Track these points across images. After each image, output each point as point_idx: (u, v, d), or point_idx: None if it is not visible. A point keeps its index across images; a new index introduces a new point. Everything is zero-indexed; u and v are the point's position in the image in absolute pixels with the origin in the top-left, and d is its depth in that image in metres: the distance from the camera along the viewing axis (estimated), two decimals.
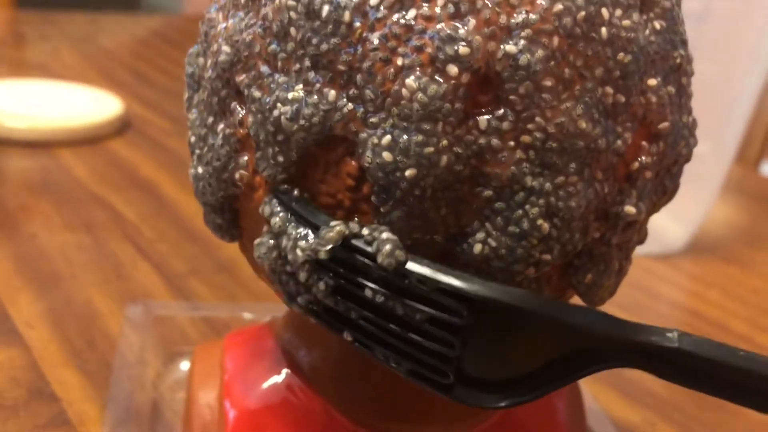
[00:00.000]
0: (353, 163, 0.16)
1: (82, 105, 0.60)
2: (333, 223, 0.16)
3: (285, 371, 0.22)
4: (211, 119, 0.18)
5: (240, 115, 0.17)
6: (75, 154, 0.53)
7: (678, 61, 0.17)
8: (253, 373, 0.23)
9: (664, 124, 0.17)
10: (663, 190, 0.18)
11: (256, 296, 0.38)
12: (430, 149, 0.15)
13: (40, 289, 0.36)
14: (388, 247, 0.15)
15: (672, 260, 0.51)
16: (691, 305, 0.46)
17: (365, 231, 0.15)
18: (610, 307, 0.40)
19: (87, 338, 0.33)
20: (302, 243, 0.16)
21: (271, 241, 0.17)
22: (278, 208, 0.17)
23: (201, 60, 0.19)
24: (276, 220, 0.16)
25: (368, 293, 0.16)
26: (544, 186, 0.15)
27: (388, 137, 0.15)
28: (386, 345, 0.16)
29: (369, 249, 0.15)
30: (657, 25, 0.16)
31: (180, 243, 0.42)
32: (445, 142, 0.15)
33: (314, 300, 0.17)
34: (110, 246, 0.41)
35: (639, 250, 0.54)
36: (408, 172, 0.15)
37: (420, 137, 0.15)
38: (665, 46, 0.17)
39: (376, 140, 0.15)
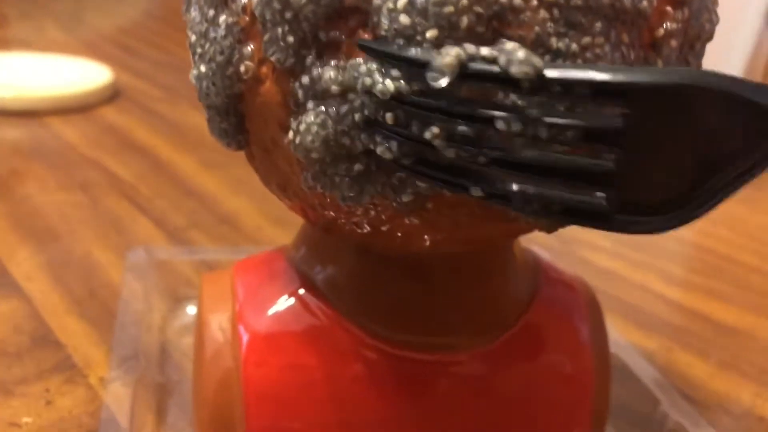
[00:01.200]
0: (367, 36, 0.15)
1: (69, 74, 0.58)
2: (445, 49, 0.13)
3: (299, 290, 0.21)
4: (212, 12, 0.17)
5: (243, 1, 0.16)
6: (65, 122, 0.52)
7: None
8: (265, 294, 0.22)
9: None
10: (686, 64, 0.17)
11: (260, 245, 0.37)
12: (450, 8, 0.14)
13: (38, 245, 0.35)
14: (521, 53, 0.13)
15: None
16: (700, 241, 0.45)
17: (484, 51, 0.13)
18: (618, 245, 0.40)
19: (88, 288, 0.32)
20: (396, 83, 0.14)
21: (322, 113, 0.15)
22: (332, 63, 0.15)
23: None
24: (332, 74, 0.15)
25: (501, 125, 0.13)
26: (570, 47, 0.14)
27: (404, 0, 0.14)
28: (525, 188, 0.14)
29: (494, 68, 0.13)
30: None
31: (179, 199, 0.41)
32: (464, 1, 0.14)
33: (417, 156, 0.15)
34: (107, 203, 0.40)
35: None
36: (429, 34, 0.14)
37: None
38: None
39: (391, 4, 0.14)
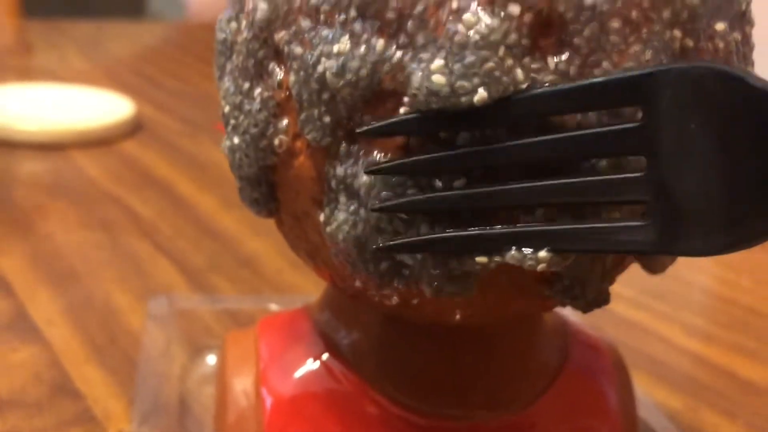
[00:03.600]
0: (403, 110, 0.15)
1: (92, 107, 0.59)
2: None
3: (324, 354, 0.21)
4: (247, 84, 0.17)
5: (279, 77, 0.16)
6: (88, 156, 0.52)
7: (743, 7, 0.16)
8: (289, 357, 0.22)
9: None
10: None
11: (281, 290, 0.37)
12: (480, 78, 0.14)
13: (59, 287, 0.35)
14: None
15: None
16: (723, 292, 0.44)
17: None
18: (641, 295, 0.39)
19: (109, 334, 0.32)
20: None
21: (354, 215, 0.15)
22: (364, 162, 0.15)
23: (234, 24, 0.18)
24: (367, 181, 0.15)
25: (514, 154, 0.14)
26: None
27: (440, 61, 0.14)
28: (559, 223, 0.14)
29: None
30: None
31: (199, 239, 0.41)
32: (510, 61, 0.13)
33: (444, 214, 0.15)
34: (128, 243, 0.40)
35: None
36: (462, 99, 0.14)
37: (473, 60, 0.13)
38: None
39: (424, 65, 0.14)
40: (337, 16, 0.15)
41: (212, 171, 0.52)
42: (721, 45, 0.15)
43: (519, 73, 0.14)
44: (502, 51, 0.13)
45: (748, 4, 0.16)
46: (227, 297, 0.35)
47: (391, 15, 0.14)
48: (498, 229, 0.14)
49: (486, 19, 0.13)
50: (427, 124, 0.14)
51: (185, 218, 0.44)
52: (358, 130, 0.15)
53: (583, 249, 0.14)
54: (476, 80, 0.13)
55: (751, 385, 0.34)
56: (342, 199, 0.16)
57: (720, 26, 0.15)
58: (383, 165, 0.15)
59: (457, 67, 0.13)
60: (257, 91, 0.17)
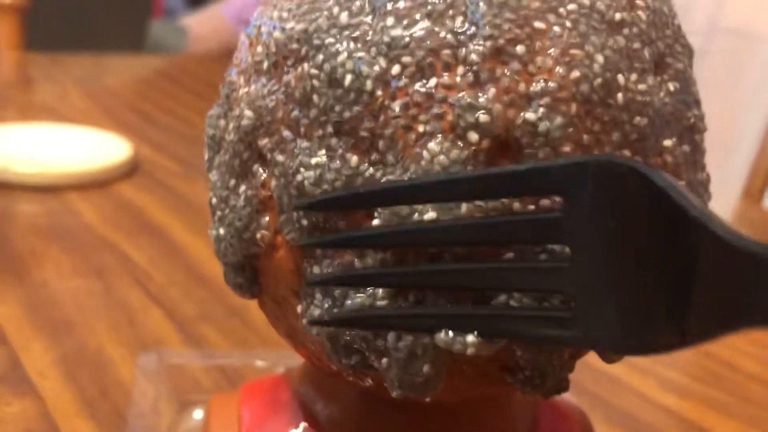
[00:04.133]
0: (376, 222, 0.16)
1: (90, 148, 0.60)
2: None
3: (302, 425, 0.22)
4: (233, 181, 0.18)
5: (262, 178, 0.18)
6: (84, 199, 0.54)
7: (692, 120, 0.17)
8: (270, 426, 0.23)
9: (680, 183, 0.17)
10: None
11: (268, 342, 0.38)
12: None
13: (53, 337, 0.36)
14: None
15: None
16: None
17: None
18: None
19: (100, 387, 0.33)
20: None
21: (326, 305, 0.17)
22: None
23: (222, 122, 0.19)
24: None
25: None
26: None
27: None
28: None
29: None
30: (671, 86, 0.17)
31: (190, 287, 0.43)
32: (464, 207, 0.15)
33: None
34: (121, 291, 0.41)
35: None
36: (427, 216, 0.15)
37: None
38: (679, 106, 0.17)
39: None
40: (315, 130, 0.16)
41: (206, 214, 0.53)
42: (669, 159, 0.17)
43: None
44: None
45: (697, 116, 0.18)
46: (216, 352, 0.36)
47: (363, 134, 0.16)
48: (431, 310, 0.15)
49: (448, 151, 0.15)
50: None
51: (178, 265, 0.45)
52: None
53: (509, 336, 0.15)
54: None
55: None
56: (318, 296, 0.17)
57: (668, 143, 0.17)
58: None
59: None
60: (242, 188, 0.18)
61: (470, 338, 0.15)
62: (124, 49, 1.23)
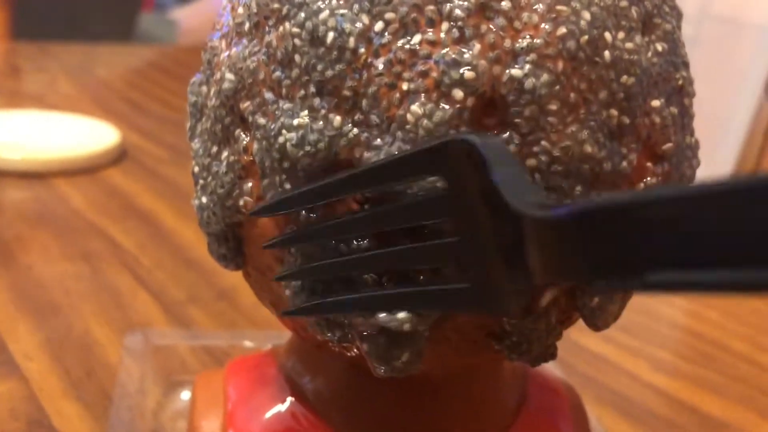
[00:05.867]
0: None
1: (78, 135, 0.60)
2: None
3: (289, 399, 0.22)
4: (215, 148, 0.18)
5: (244, 142, 0.17)
6: (71, 184, 0.53)
7: (680, 82, 0.17)
8: (256, 401, 0.22)
9: (668, 145, 0.17)
10: None
11: (257, 324, 0.37)
12: None
13: (39, 320, 0.36)
14: None
15: None
16: (691, 326, 0.46)
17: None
18: (611, 330, 0.40)
19: (86, 368, 0.32)
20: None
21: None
22: None
23: (204, 89, 0.19)
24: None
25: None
26: None
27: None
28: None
29: None
30: (659, 47, 0.17)
31: (178, 271, 0.42)
32: None
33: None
34: (108, 275, 0.41)
35: None
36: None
37: None
38: (667, 67, 0.17)
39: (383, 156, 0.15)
40: (297, 91, 0.16)
41: None
42: (657, 120, 0.16)
43: None
44: None
45: (686, 79, 0.17)
46: (203, 333, 0.36)
47: (346, 93, 0.15)
48: (368, 293, 0.16)
49: (432, 113, 0.14)
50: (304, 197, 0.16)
51: (166, 249, 0.45)
52: (250, 213, 0.16)
53: (424, 310, 0.15)
54: None
55: (712, 420, 0.35)
56: (300, 263, 0.16)
57: (656, 103, 0.16)
58: (275, 240, 0.17)
59: None
60: (224, 154, 0.18)
61: (401, 315, 0.15)
62: (113, 40, 1.22)
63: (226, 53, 0.18)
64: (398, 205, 0.15)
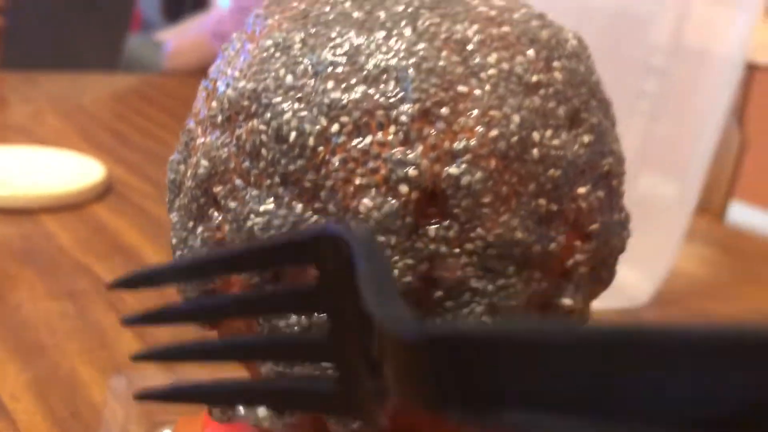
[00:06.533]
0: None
1: (64, 170, 0.61)
2: None
3: None
4: (191, 223, 0.20)
5: (217, 221, 0.19)
6: (58, 220, 0.55)
7: (606, 168, 0.19)
8: None
9: (595, 226, 0.19)
10: (599, 280, 0.20)
11: (237, 367, 0.39)
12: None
13: (26, 360, 0.37)
14: None
15: (637, 315, 0.53)
16: None
17: None
18: None
19: (71, 409, 0.34)
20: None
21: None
22: None
23: (182, 167, 0.21)
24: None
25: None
26: (486, 287, 0.17)
27: None
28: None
29: None
30: (585, 139, 0.19)
31: None
32: (397, 257, 0.17)
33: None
34: (93, 314, 0.43)
35: (604, 305, 0.56)
36: None
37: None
38: (593, 156, 0.19)
39: None
40: (264, 180, 0.18)
41: None
42: (583, 204, 0.19)
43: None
44: (393, 239, 0.16)
45: (612, 164, 0.20)
46: (186, 374, 0.37)
47: (307, 184, 0.17)
48: (229, 384, 0.16)
49: (381, 205, 0.17)
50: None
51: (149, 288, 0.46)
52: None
53: (284, 408, 0.15)
54: None
55: None
56: (265, 326, 0.18)
57: (582, 190, 0.18)
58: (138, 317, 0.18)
59: None
60: (199, 229, 0.20)
61: (261, 412, 0.16)
62: (101, 65, 1.24)
63: (202, 140, 0.20)
64: (270, 293, 0.15)
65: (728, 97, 0.55)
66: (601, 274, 0.20)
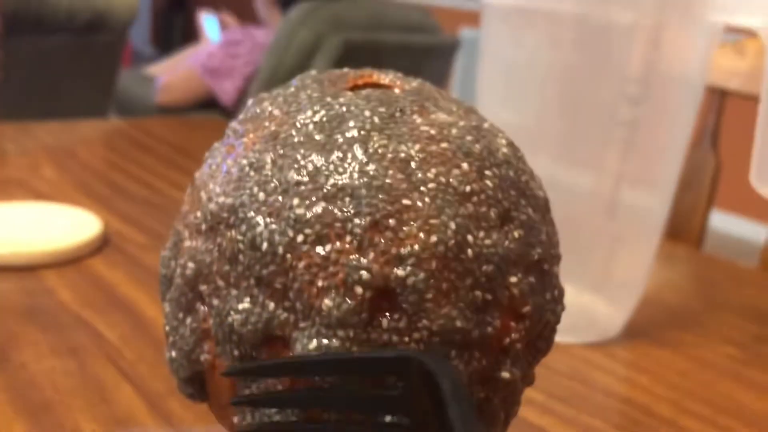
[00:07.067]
0: (290, 353, 0.21)
1: (62, 226, 0.64)
2: None
3: None
4: (181, 314, 0.23)
5: (203, 314, 0.22)
6: (57, 275, 0.58)
7: (536, 257, 0.22)
8: None
9: (527, 308, 0.22)
10: (537, 350, 0.23)
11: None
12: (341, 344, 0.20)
13: (32, 419, 0.40)
14: None
15: (608, 347, 0.56)
16: (623, 392, 0.51)
17: None
18: (550, 400, 0.45)
19: None
20: None
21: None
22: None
23: (173, 263, 0.24)
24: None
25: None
26: None
27: (314, 342, 0.20)
28: None
29: None
30: (516, 234, 0.22)
31: (159, 363, 0.47)
32: (355, 347, 0.20)
33: None
34: (94, 369, 0.45)
35: (577, 340, 0.59)
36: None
37: (336, 342, 0.20)
38: (524, 248, 0.22)
39: (305, 342, 0.20)
40: (242, 282, 0.21)
41: None
42: (515, 291, 0.22)
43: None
44: (351, 332, 0.20)
45: (541, 253, 0.23)
46: (181, 427, 0.40)
47: (278, 286, 0.21)
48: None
49: (340, 304, 0.20)
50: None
51: (147, 341, 0.49)
52: (221, 373, 0.21)
53: None
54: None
55: None
56: (247, 414, 0.21)
57: (513, 279, 0.22)
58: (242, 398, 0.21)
59: (324, 343, 0.20)
60: (188, 320, 0.23)
61: None
62: (93, 107, 1.27)
63: (189, 243, 0.23)
64: (361, 392, 0.19)
65: (693, 118, 0.58)
66: (538, 345, 0.23)
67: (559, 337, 0.56)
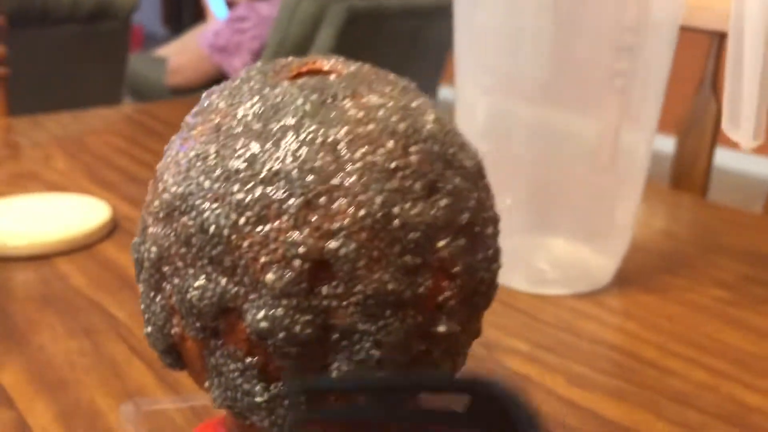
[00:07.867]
0: (243, 324, 0.23)
1: (74, 214, 0.68)
2: None
3: None
4: (152, 293, 0.26)
5: (168, 291, 0.25)
6: (71, 262, 0.61)
7: (464, 222, 0.25)
8: None
9: (456, 268, 0.24)
10: (475, 305, 0.26)
11: None
12: (288, 320, 0.22)
13: (52, 396, 0.44)
14: None
15: (597, 296, 0.58)
16: (610, 339, 0.53)
17: None
18: (535, 349, 0.48)
19: None
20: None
21: (225, 391, 0.24)
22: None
23: (142, 248, 0.26)
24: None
25: None
26: (371, 328, 0.23)
27: (263, 312, 0.22)
28: None
29: None
30: (442, 202, 0.24)
31: None
32: (298, 315, 0.22)
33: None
34: (107, 347, 0.49)
35: (569, 291, 0.61)
36: (280, 335, 0.22)
37: (281, 311, 0.22)
38: (452, 215, 0.24)
39: (255, 312, 0.23)
40: (196, 262, 0.24)
41: None
42: (445, 254, 0.24)
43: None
44: (294, 301, 0.22)
45: (470, 216, 0.25)
46: (188, 395, 0.43)
47: (227, 264, 0.23)
48: None
49: (281, 277, 0.22)
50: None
51: None
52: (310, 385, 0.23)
53: None
54: (284, 323, 0.22)
55: (611, 424, 0.43)
56: (215, 382, 0.24)
57: (441, 243, 0.24)
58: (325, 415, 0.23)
59: (271, 313, 0.22)
60: (158, 298, 0.26)
61: None
62: (105, 92, 1.30)
63: (152, 229, 0.25)
64: (433, 409, 0.21)
65: (671, 58, 0.59)
66: (475, 301, 0.25)
67: (552, 290, 0.58)
